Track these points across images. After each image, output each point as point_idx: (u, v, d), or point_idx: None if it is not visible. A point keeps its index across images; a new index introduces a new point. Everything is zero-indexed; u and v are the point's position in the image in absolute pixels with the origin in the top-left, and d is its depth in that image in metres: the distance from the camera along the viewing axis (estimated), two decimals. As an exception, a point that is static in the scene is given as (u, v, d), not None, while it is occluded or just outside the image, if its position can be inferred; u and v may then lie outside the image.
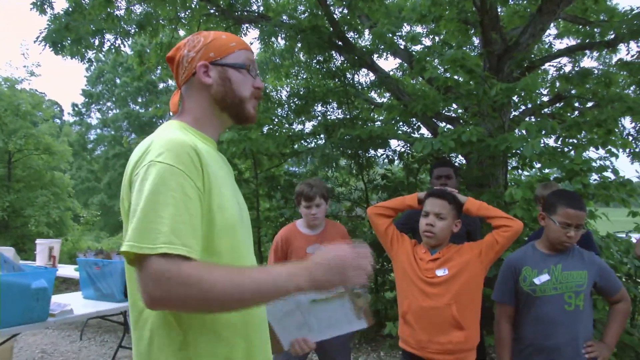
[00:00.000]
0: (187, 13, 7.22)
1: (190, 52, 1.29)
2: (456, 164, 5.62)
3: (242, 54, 1.31)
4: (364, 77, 8.03)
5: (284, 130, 7.36)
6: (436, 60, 5.86)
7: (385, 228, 2.46)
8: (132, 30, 6.71)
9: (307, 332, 1.63)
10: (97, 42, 6.50)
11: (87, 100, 33.35)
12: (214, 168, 1.19)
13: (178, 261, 1.01)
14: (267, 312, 1.38)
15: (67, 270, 5.34)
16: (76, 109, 33.91)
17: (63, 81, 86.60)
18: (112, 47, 6.73)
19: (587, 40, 6.93)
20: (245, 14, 7.18)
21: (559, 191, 2.39)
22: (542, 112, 6.38)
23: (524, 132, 4.27)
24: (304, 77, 8.55)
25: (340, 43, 6.59)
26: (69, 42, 6.16)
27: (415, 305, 2.26)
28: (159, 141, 1.13)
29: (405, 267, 2.34)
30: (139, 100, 32.56)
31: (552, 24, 7.12)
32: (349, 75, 7.44)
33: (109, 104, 33.50)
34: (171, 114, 1.35)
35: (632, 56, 6.46)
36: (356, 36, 7.79)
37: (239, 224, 1.24)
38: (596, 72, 6.98)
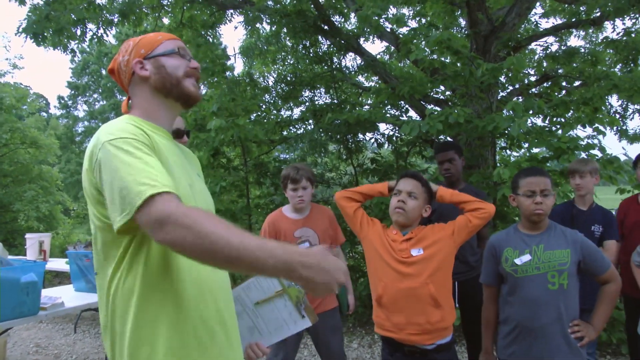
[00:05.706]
0: (170, 0, 7.12)
1: (125, 56, 1.41)
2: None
3: (170, 42, 1.42)
4: (351, 61, 8.02)
5: (272, 117, 7.32)
6: (423, 42, 5.84)
7: (354, 210, 2.46)
8: (115, 19, 6.61)
9: (258, 336, 1.62)
10: (79, 32, 6.39)
11: (73, 92, 32.96)
12: (163, 150, 1.28)
13: (172, 202, 1.08)
14: None
15: (58, 264, 5.31)
16: (62, 101, 33.54)
17: (48, 74, 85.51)
18: (95, 36, 6.63)
19: (574, 19, 6.93)
20: (229, -1, 7.09)
21: (519, 171, 2.43)
22: (530, 92, 6.38)
23: (511, 112, 4.28)
24: (291, 62, 8.49)
25: (325, 27, 6.53)
26: (50, 32, 6.06)
27: (391, 288, 2.23)
28: (106, 128, 1.23)
29: (378, 249, 2.31)
30: (126, 91, 32.22)
31: (538, 3, 7.11)
32: (335, 60, 7.40)
33: (95, 95, 33.15)
34: None
35: (618, 34, 6.48)
36: (342, 20, 7.73)
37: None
38: (583, 50, 6.99)
